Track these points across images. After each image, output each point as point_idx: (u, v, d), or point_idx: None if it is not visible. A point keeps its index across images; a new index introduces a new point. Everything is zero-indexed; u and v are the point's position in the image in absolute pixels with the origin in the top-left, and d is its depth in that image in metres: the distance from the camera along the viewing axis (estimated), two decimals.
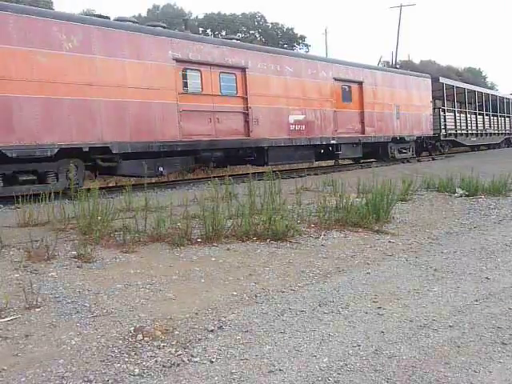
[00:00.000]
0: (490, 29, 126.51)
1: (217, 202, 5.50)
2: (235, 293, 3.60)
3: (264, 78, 11.98)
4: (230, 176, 7.81)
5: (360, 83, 15.07)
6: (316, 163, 14.61)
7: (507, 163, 13.72)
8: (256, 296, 3.55)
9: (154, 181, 11.25)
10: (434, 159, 17.90)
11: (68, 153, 8.54)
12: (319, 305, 3.37)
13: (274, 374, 2.42)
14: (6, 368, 2.41)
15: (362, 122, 15.02)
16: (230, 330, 2.95)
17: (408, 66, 36.09)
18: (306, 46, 47.45)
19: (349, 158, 15.69)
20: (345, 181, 7.36)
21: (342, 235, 5.46)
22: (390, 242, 5.31)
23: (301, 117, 12.90)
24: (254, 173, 7.60)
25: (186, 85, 10.43)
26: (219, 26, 43.15)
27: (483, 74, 57.91)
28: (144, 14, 44.79)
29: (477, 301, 3.43)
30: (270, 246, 4.89)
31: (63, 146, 8.36)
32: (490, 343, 2.74)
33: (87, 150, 8.72)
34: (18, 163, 8.06)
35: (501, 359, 2.55)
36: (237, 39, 14.24)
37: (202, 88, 10.70)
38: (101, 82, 8.88)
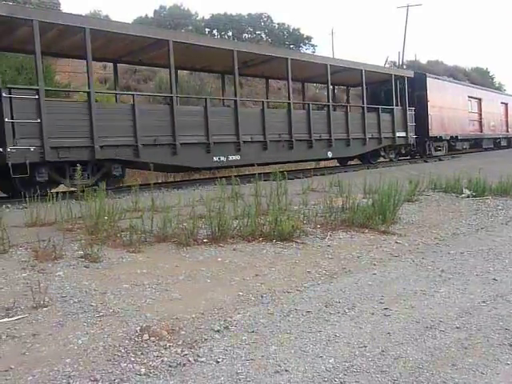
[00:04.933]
0: (498, 28, 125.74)
1: (223, 202, 5.50)
2: (241, 293, 3.60)
3: (485, 103, 23.82)
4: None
5: (506, 104, 27.51)
6: (322, 163, 16.96)
7: None
8: (262, 296, 3.55)
9: (160, 181, 11.90)
10: (440, 160, 18.01)
11: (445, 138, 19.78)
12: (325, 305, 3.37)
13: (280, 374, 2.42)
14: (13, 367, 2.43)
15: (507, 126, 27.26)
16: (236, 330, 2.95)
17: (415, 66, 36.00)
18: (313, 46, 47.35)
19: (504, 146, 26.67)
20: (351, 181, 7.32)
21: (348, 236, 5.45)
22: (396, 242, 5.29)
23: (493, 123, 24.88)
24: (260, 173, 7.59)
25: (468, 108, 22.20)
26: (225, 26, 43.13)
27: (490, 74, 57.30)
28: (150, 14, 44.81)
29: (484, 302, 3.41)
30: (275, 247, 4.89)
31: (451, 135, 20.13)
32: (497, 345, 2.72)
33: (452, 136, 20.06)
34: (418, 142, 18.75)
35: (508, 361, 2.54)
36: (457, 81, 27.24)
37: (471, 108, 22.49)
38: (454, 107, 20.36)
